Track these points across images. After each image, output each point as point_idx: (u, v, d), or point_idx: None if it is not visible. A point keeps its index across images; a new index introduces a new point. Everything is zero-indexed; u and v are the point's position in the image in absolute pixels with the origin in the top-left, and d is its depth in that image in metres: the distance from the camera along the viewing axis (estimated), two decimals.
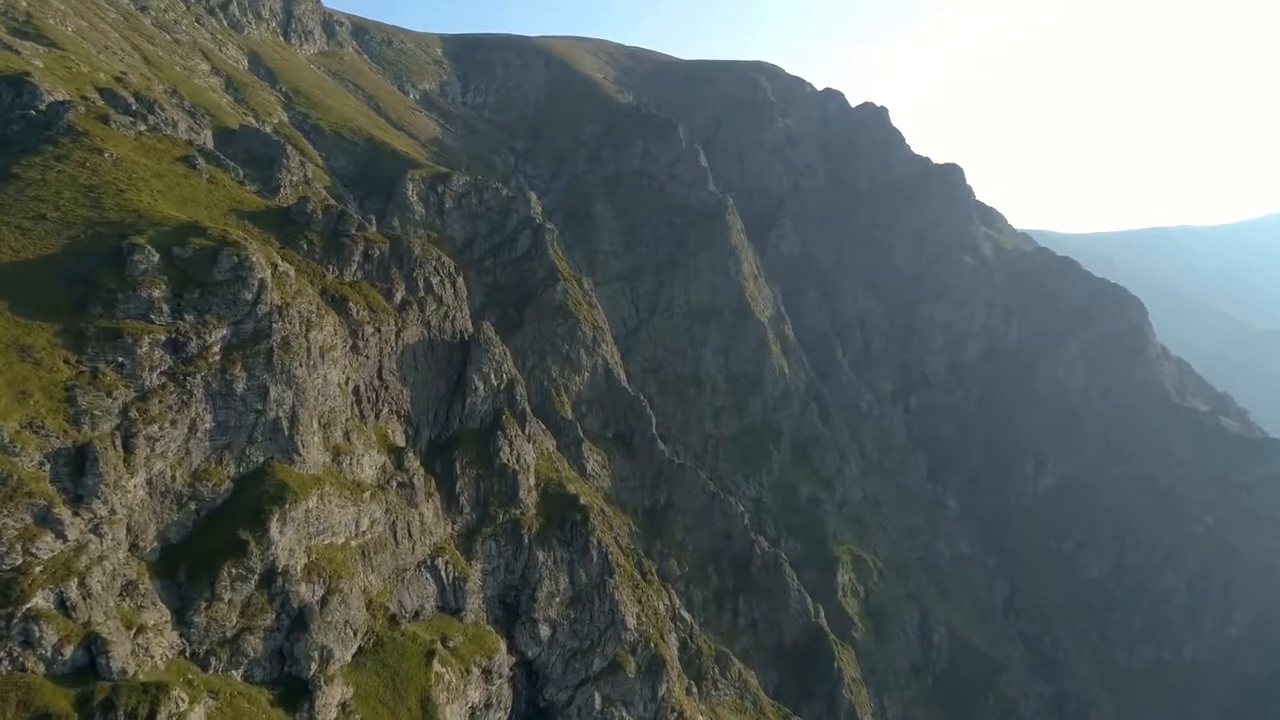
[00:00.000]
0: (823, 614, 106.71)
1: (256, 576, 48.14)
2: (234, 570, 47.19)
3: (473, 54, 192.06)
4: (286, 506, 50.43)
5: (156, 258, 52.80)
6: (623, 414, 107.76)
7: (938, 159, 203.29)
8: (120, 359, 47.39)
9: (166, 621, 44.20)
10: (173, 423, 48.14)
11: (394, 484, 62.47)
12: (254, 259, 54.70)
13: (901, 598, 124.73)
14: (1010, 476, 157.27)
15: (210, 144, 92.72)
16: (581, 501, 74.84)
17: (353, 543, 56.31)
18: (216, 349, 51.66)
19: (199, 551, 47.38)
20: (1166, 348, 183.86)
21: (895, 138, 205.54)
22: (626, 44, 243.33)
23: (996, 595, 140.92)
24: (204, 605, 45.77)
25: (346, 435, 59.71)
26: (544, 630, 68.00)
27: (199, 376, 49.89)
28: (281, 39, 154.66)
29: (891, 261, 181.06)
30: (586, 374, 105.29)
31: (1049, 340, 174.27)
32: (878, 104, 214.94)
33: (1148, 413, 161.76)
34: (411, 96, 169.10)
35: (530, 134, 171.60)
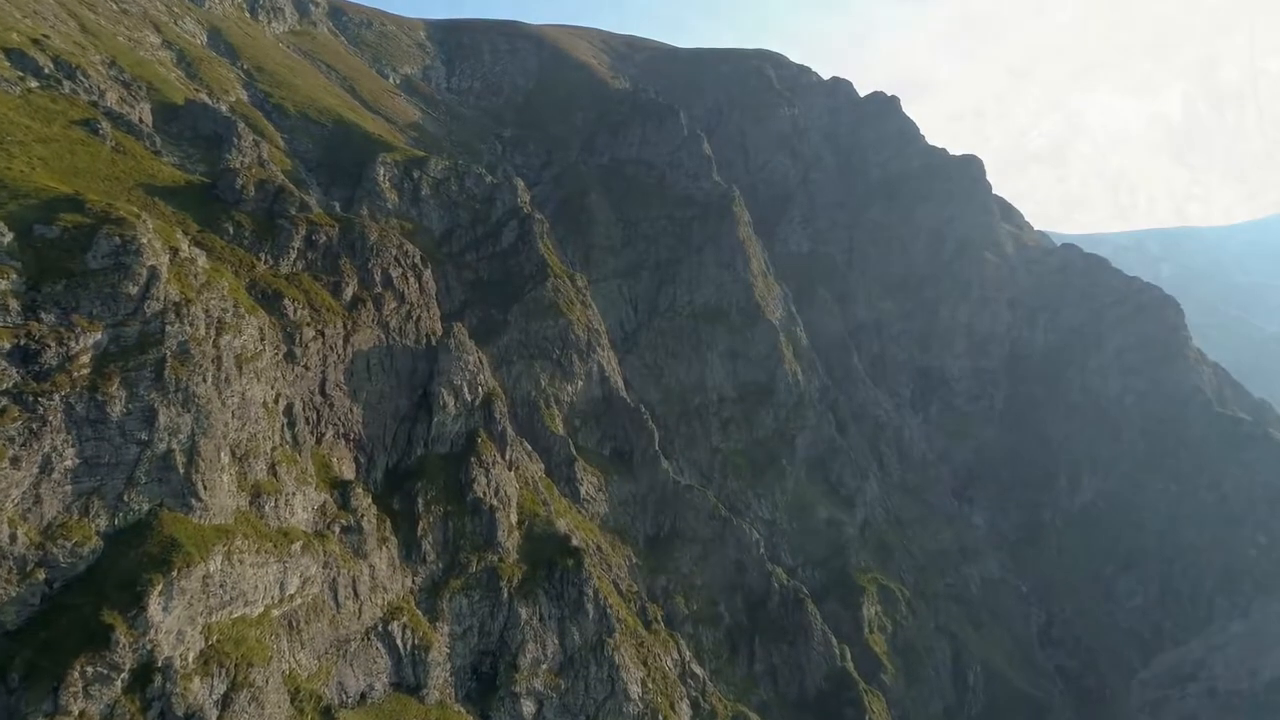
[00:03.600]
0: (849, 655, 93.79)
1: (125, 675, 34.96)
2: (90, 668, 34.02)
3: (458, 38, 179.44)
4: (175, 573, 37.35)
5: (9, 238, 39.77)
6: (621, 427, 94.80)
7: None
8: None
9: None
10: (14, 460, 35.16)
11: (337, 529, 49.45)
12: (143, 241, 41.60)
13: (931, 631, 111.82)
14: (1042, 491, 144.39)
15: (148, 119, 79.64)
16: (574, 543, 61.87)
17: (275, 612, 43.20)
18: (85, 360, 38.63)
19: (45, 641, 34.28)
20: (1203, 351, 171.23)
21: (908, 128, 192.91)
22: (620, 32, 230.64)
23: (1032, 625, 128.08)
24: None
25: (272, 469, 46.60)
26: (528, 706, 54.89)
27: (58, 397, 36.89)
28: (247, 15, 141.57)
29: (907, 259, 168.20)
30: (580, 383, 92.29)
31: (1079, 344, 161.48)
32: (888, 93, 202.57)
33: (1189, 422, 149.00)
34: (391, 80, 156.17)
35: (519, 121, 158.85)
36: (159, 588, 36.46)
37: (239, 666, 38.94)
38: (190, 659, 37.30)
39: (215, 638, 38.93)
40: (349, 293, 57.15)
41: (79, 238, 41.04)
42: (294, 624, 44.15)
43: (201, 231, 52.62)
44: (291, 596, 44.34)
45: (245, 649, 39.79)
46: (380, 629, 49.40)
